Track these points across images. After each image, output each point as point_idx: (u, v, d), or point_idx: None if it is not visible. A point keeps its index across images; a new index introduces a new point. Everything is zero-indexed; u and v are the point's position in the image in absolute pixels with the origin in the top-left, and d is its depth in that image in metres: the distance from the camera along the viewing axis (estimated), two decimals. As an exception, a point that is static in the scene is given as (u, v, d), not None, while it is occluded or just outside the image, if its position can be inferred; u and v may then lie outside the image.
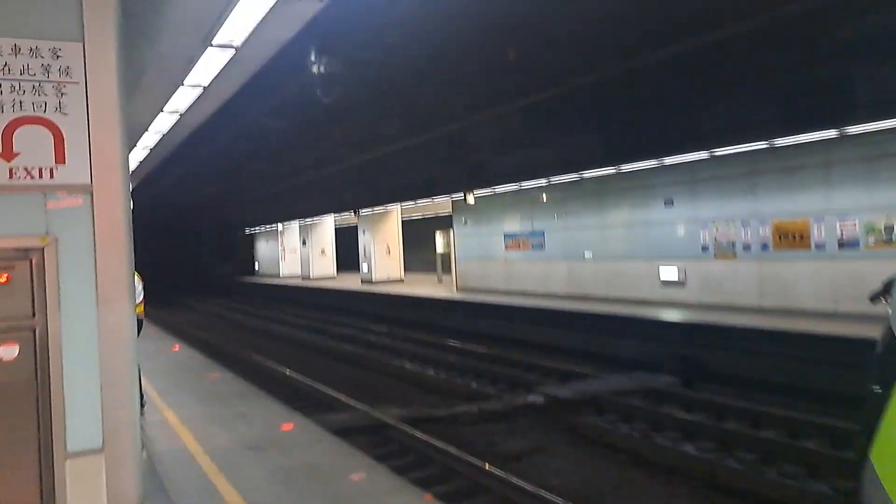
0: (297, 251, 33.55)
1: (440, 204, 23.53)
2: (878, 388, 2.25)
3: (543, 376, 11.95)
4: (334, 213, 28.30)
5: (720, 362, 11.14)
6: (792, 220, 11.85)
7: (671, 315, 12.85)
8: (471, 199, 19.28)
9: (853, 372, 9.30)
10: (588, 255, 16.69)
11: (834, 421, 7.99)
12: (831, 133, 10.25)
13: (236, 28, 5.75)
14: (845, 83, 9.47)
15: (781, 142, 11.13)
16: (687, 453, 7.78)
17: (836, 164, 11.03)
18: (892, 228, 10.25)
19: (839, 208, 11.04)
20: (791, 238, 11.90)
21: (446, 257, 24.07)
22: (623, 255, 15.63)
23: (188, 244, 43.11)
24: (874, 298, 2.72)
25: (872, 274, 10.52)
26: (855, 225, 10.80)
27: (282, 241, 36.15)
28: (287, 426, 7.24)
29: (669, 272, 14.45)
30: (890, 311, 2.28)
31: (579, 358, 13.26)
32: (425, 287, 23.43)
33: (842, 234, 11.03)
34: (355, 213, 25.92)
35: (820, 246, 11.41)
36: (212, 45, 6.35)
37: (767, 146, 11.44)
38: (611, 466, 7.82)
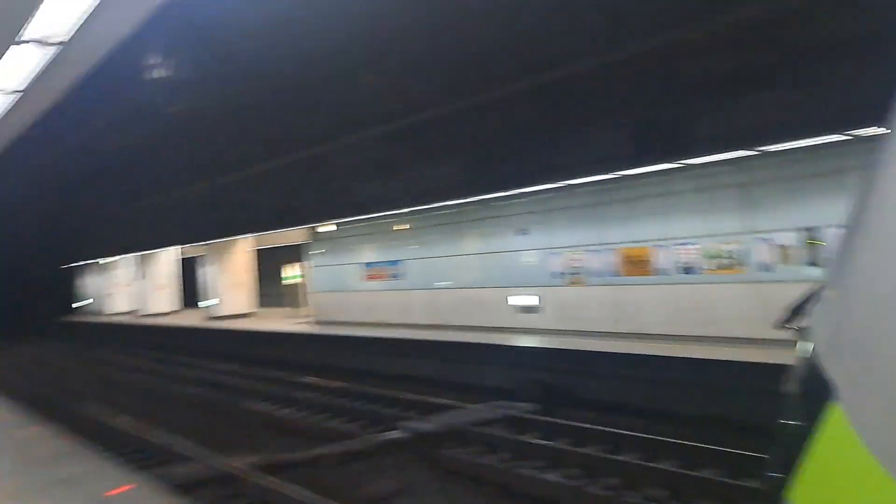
0: (136, 285, 31.02)
1: (297, 233, 22.69)
2: (792, 422, 2.12)
3: (406, 410, 11.60)
4: (178, 244, 26.46)
5: (578, 386, 11.37)
6: (636, 248, 12.46)
7: (528, 341, 13.02)
8: (328, 228, 18.73)
9: (698, 391, 9.83)
10: (446, 284, 16.67)
11: (688, 441, 8.29)
12: (673, 165, 10.91)
13: (56, 21, 4.94)
14: (687, 119, 10.09)
15: (628, 173, 11.71)
16: (552, 482, 7.73)
17: (675, 194, 11.74)
18: (729, 253, 11.01)
19: (678, 235, 11.73)
20: (636, 264, 12.49)
21: (303, 288, 23.20)
22: (481, 283, 15.76)
23: (4, 279, 38.66)
24: (781, 326, 2.63)
25: (712, 296, 11.26)
26: (694, 251, 11.51)
27: (117, 274, 33.30)
28: (118, 490, 6.31)
29: (526, 299, 14.71)
30: (809, 338, 2.12)
31: (441, 388, 13.06)
32: (280, 321, 22.38)
33: (682, 259, 11.71)
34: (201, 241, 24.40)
35: (663, 271, 12.05)
36: (21, 42, 5.47)
37: (614, 177, 12.00)
38: (479, 501, 7.59)
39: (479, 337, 14.18)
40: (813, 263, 9.92)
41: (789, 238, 10.21)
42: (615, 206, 12.76)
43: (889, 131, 1.99)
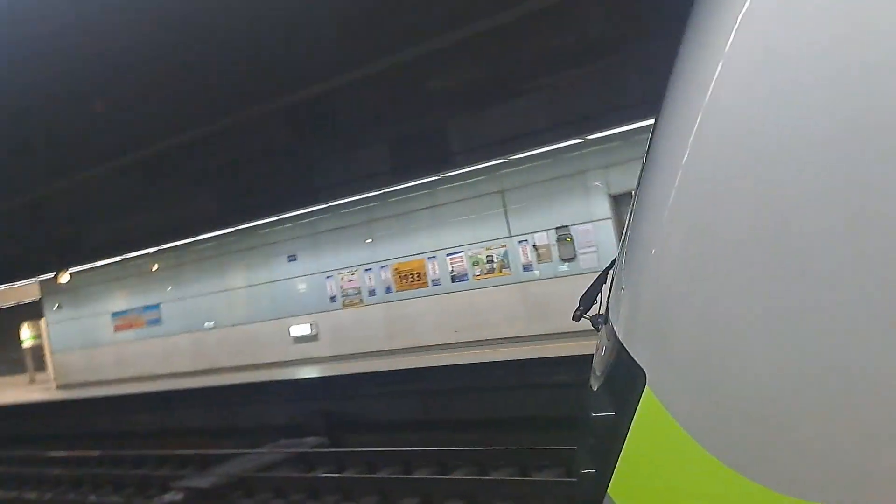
0: None
1: (32, 287, 19.56)
2: (605, 414, 1.96)
3: (180, 467, 10.39)
4: None
5: (360, 410, 11.05)
6: (409, 262, 12.50)
7: (306, 372, 12.44)
8: (64, 279, 16.37)
9: (475, 395, 10.05)
10: (211, 323, 15.42)
11: (482, 446, 8.34)
12: (434, 177, 11.09)
13: None
14: (444, 131, 10.30)
15: (396, 189, 11.69)
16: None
17: (442, 207, 11.98)
18: (493, 258, 11.44)
19: (447, 245, 11.98)
20: (410, 278, 12.53)
21: (39, 350, 20.08)
22: (251, 317, 14.80)
23: None
24: (579, 317, 2.51)
25: (484, 302, 11.61)
26: (462, 259, 11.82)
27: None
28: None
29: (300, 328, 14.07)
30: (614, 327, 1.98)
31: (217, 437, 11.94)
32: (12, 391, 19.13)
33: (453, 268, 11.96)
34: None
35: (436, 282, 12.21)
36: None
37: (380, 194, 11.94)
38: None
39: (252, 376, 13.25)
40: (567, 258, 10.65)
41: (544, 238, 10.87)
42: (386, 223, 12.70)
43: (656, 123, 1.95)
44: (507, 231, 11.28)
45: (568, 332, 10.55)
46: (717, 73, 1.55)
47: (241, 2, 8.56)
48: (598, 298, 2.61)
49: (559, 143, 9.62)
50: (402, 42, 9.70)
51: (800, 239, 1.39)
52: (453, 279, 11.99)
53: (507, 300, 11.37)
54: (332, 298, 13.64)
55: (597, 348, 2.36)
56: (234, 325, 15.11)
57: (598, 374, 2.17)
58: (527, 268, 11.12)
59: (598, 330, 2.41)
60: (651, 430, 1.79)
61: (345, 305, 13.48)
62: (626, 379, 1.82)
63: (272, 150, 12.07)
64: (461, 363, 10.46)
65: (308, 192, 12.11)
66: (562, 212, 10.70)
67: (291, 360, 14.06)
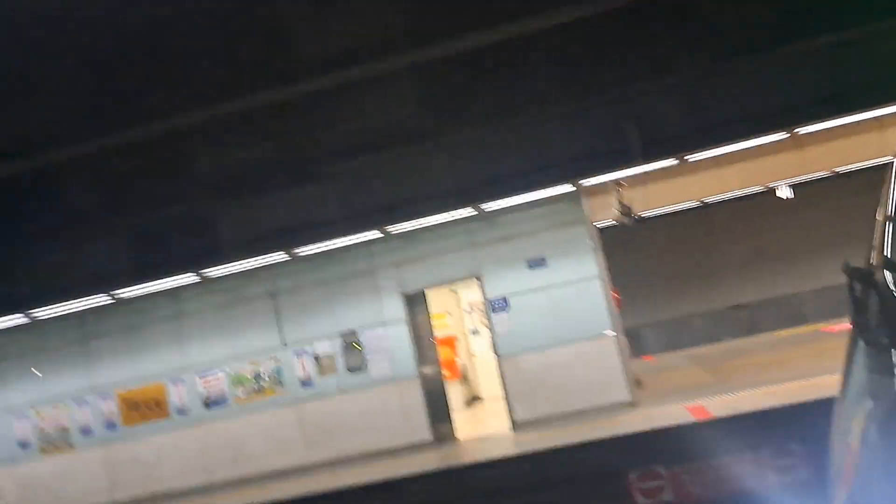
0: None
1: None
2: None
3: None
4: None
5: None
6: (143, 387, 9.89)
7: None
8: None
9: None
10: None
11: None
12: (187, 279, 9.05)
13: None
14: (209, 220, 8.49)
15: (125, 295, 9.27)
16: None
17: (190, 315, 9.81)
18: (260, 375, 9.56)
19: (199, 363, 9.75)
20: (144, 408, 9.88)
21: None
22: None
23: None
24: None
25: (248, 430, 9.56)
26: (220, 379, 9.68)
27: None
28: None
29: (-34, 491, 10.15)
30: None
31: None
32: None
33: (207, 392, 9.72)
34: None
35: (183, 411, 9.78)
36: None
37: (105, 304, 9.39)
38: None
39: None
40: (355, 368, 9.32)
41: (327, 346, 9.43)
42: (110, 338, 9.96)
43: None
44: (280, 341, 9.57)
45: (361, 454, 9.13)
46: None
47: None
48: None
49: (356, 236, 8.53)
50: (160, 109, 7.94)
51: None
52: (207, 405, 9.72)
53: (279, 425, 9.49)
54: (23, 444, 10.14)
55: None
56: None
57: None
58: (305, 383, 9.47)
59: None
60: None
61: (44, 452, 10.09)
62: None
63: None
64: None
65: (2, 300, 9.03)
66: (348, 315, 9.44)
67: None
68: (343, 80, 7.55)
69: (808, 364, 9.47)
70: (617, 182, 10.36)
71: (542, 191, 8.15)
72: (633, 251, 14.47)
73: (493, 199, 8.17)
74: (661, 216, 13.99)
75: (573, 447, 7.77)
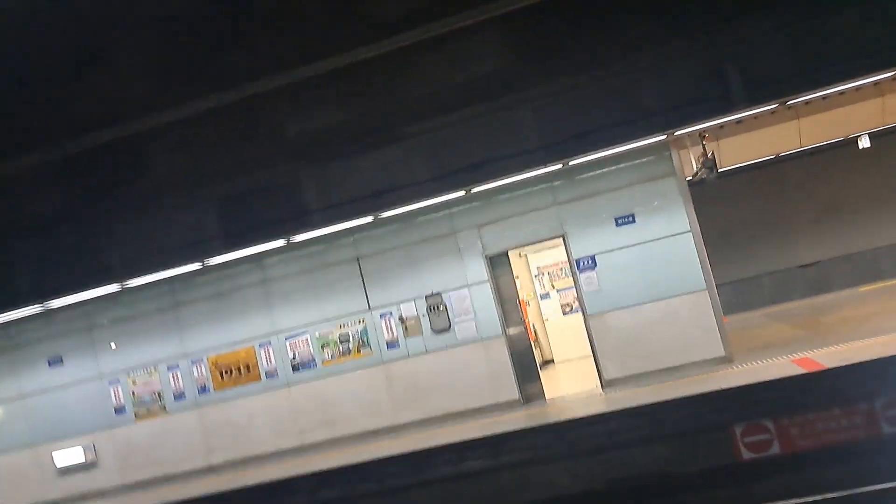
0: None
1: None
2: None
3: None
4: None
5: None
6: (233, 352, 10.08)
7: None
8: None
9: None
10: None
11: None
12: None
13: None
14: (296, 186, 8.50)
15: (210, 264, 9.40)
16: None
17: (277, 281, 9.92)
18: (348, 337, 9.64)
19: (287, 327, 9.88)
20: (235, 372, 10.08)
21: None
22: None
23: None
24: None
25: (336, 392, 9.69)
26: (307, 342, 9.80)
27: None
28: None
29: (69, 454, 10.55)
30: None
31: None
32: None
33: (294, 355, 9.86)
34: None
35: (271, 374, 9.95)
36: None
37: (192, 271, 9.55)
38: None
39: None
40: (440, 330, 9.32)
41: (412, 308, 9.44)
42: (199, 305, 10.16)
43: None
44: (365, 304, 9.62)
45: (449, 414, 9.18)
46: None
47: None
48: None
49: (446, 196, 8.47)
50: (240, 75, 7.94)
51: None
52: (295, 368, 9.87)
53: (367, 386, 9.59)
54: (119, 410, 10.48)
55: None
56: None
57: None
58: (391, 345, 9.52)
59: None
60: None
61: (139, 417, 10.41)
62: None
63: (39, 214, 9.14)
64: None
65: (93, 270, 9.25)
66: (431, 278, 9.42)
67: (59, 500, 10.43)
68: (426, 34, 7.43)
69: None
70: (701, 134, 10.04)
71: (635, 143, 7.93)
72: (707, 207, 14.12)
73: (584, 154, 7.98)
74: (734, 171, 13.58)
75: (675, 402, 7.66)
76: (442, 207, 9.22)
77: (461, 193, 8.59)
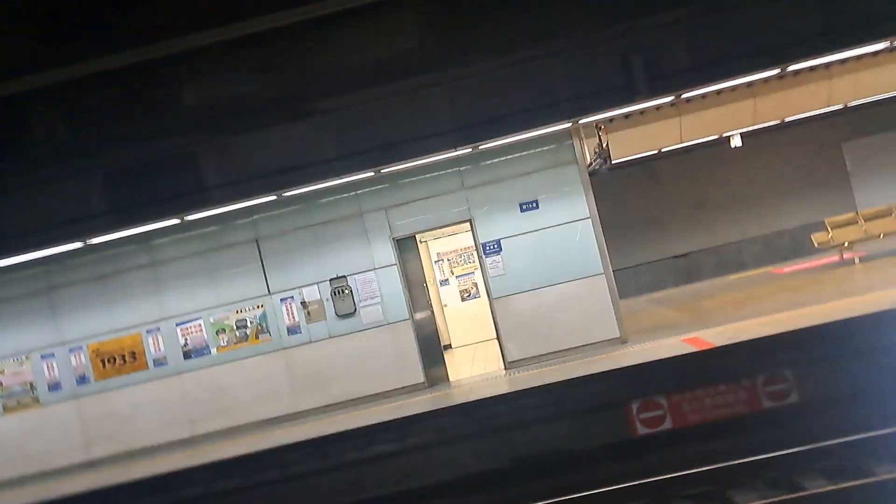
0: None
1: None
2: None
3: None
4: None
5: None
6: (117, 339, 9.39)
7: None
8: None
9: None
10: None
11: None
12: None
13: None
14: (192, 159, 8.02)
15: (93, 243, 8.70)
16: None
17: (167, 264, 9.33)
18: (246, 322, 9.24)
19: (178, 313, 9.33)
20: (119, 361, 9.40)
21: None
22: None
23: None
24: None
25: (232, 379, 9.27)
26: (200, 327, 9.30)
27: None
28: None
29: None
30: None
31: None
32: None
33: (186, 341, 9.33)
34: None
35: (160, 362, 9.37)
36: None
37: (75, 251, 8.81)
38: None
39: None
40: (345, 314, 9.14)
41: (315, 292, 9.19)
42: (78, 288, 9.38)
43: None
44: (265, 287, 9.25)
45: (353, 400, 9.04)
46: None
47: None
48: None
49: (355, 176, 8.28)
50: (140, 34, 7.39)
51: None
52: (187, 355, 9.34)
53: (266, 373, 9.24)
54: (-17, 402, 9.51)
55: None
56: None
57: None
58: (292, 330, 9.22)
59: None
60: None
61: (8, 409, 9.48)
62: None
63: None
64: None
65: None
66: (336, 261, 9.20)
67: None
68: (340, 6, 7.23)
69: (784, 298, 9.97)
70: (597, 125, 10.44)
71: (544, 129, 8.11)
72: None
73: (496, 138, 8.06)
74: (618, 165, 14.25)
75: (574, 381, 7.92)
76: (348, 188, 9.04)
77: (370, 174, 8.43)
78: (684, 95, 8.32)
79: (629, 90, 7.53)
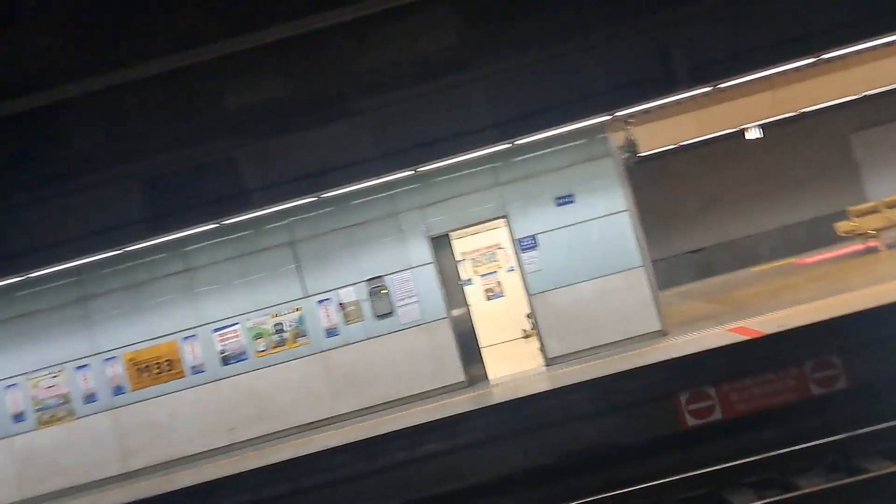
0: None
1: None
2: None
3: None
4: None
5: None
6: (153, 347, 9.34)
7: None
8: None
9: None
10: None
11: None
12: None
13: None
14: (231, 163, 7.99)
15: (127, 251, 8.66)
16: None
17: (201, 269, 9.29)
18: (283, 326, 9.19)
19: (215, 318, 9.28)
20: (156, 369, 9.34)
21: None
22: None
23: None
24: None
25: (271, 384, 9.22)
26: (238, 334, 9.25)
27: None
28: None
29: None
30: None
31: None
32: None
33: (223, 347, 9.28)
34: None
35: (197, 369, 9.31)
36: None
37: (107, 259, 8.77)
38: None
39: None
40: (383, 314, 9.10)
41: (352, 293, 9.15)
42: (112, 298, 9.32)
43: None
44: (301, 290, 9.21)
45: (393, 401, 8.99)
46: None
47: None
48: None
49: (393, 175, 8.25)
50: (177, 40, 7.35)
51: None
52: (225, 361, 9.28)
53: (304, 376, 9.19)
54: (18, 417, 9.42)
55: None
56: None
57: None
58: (331, 332, 9.18)
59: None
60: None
61: (42, 424, 9.41)
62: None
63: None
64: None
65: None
66: (372, 261, 9.17)
67: None
68: (377, 7, 7.20)
69: (817, 287, 9.96)
70: (625, 119, 10.42)
71: (581, 122, 8.09)
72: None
73: (534, 133, 8.05)
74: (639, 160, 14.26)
75: (620, 375, 7.88)
76: (383, 188, 9.01)
77: (407, 173, 8.40)
78: (722, 86, 8.29)
79: (667, 81, 7.52)
